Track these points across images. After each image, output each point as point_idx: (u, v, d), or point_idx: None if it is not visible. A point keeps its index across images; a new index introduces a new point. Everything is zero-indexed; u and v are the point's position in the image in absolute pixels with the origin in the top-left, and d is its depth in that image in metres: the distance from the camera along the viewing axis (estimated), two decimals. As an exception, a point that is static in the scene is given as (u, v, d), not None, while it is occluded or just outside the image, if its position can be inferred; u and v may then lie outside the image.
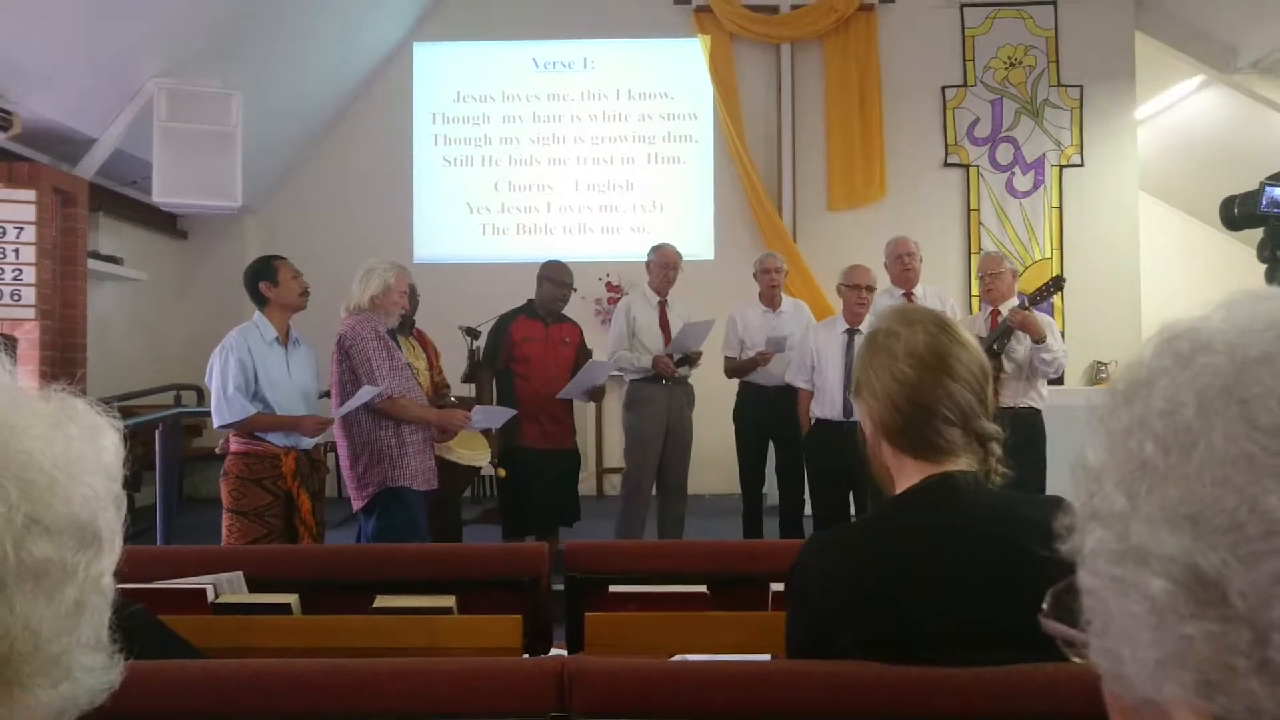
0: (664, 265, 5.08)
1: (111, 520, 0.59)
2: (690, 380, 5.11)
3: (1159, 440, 0.41)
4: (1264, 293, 0.43)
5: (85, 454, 0.58)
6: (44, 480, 0.55)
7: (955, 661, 1.30)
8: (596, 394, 4.96)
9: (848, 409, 4.56)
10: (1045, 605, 0.48)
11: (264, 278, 3.80)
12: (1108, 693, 0.45)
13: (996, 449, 1.39)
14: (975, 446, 1.38)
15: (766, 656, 1.84)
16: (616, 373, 5.09)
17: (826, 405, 4.63)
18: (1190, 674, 0.38)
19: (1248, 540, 0.37)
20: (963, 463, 1.37)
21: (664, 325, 5.03)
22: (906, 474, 1.39)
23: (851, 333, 4.65)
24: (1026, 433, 4.26)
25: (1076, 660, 0.46)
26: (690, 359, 4.99)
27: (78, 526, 0.56)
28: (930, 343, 1.37)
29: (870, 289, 4.68)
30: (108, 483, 0.59)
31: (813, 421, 4.72)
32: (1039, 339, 4.33)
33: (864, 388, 1.42)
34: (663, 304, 5.08)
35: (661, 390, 4.94)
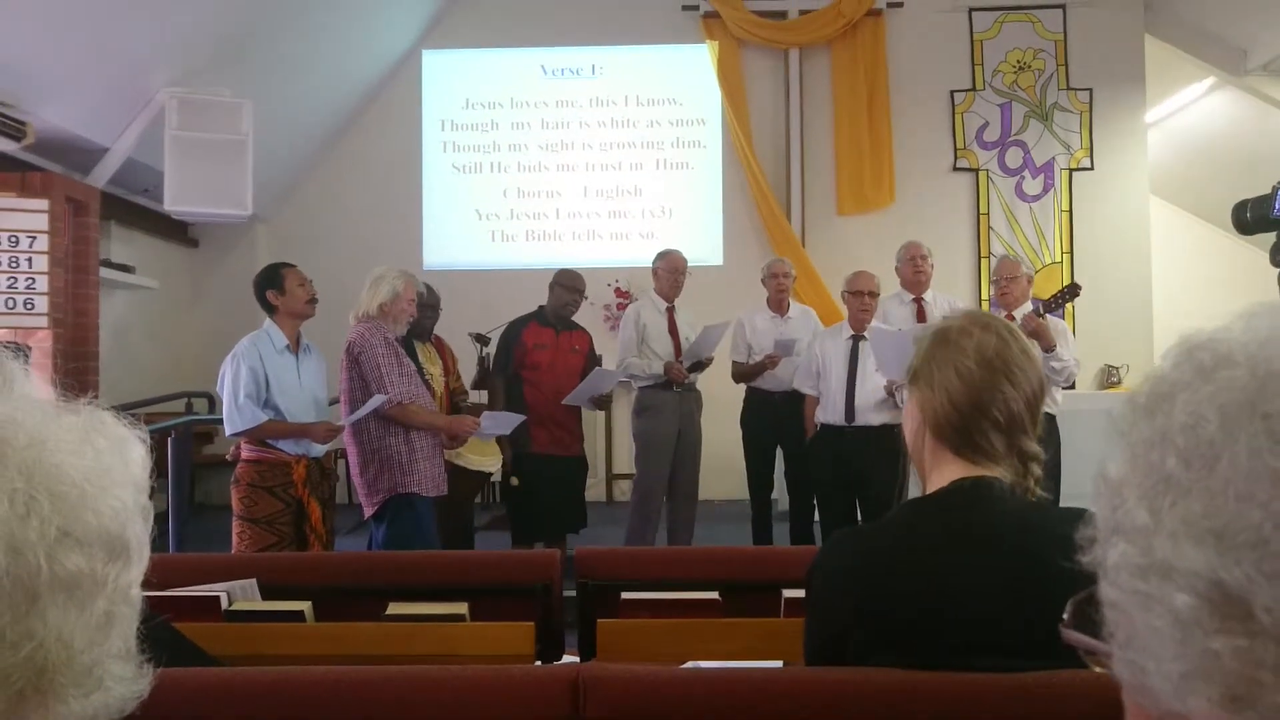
0: (671, 270, 5.09)
1: (139, 532, 0.60)
2: (698, 386, 5.11)
3: (1181, 454, 0.41)
4: None
5: (114, 466, 0.59)
6: (75, 493, 0.55)
7: (974, 668, 1.30)
8: (602, 402, 4.97)
9: (850, 414, 4.56)
10: (1066, 615, 0.48)
11: (271, 286, 3.82)
12: (1129, 702, 0.45)
13: (1036, 469, 1.39)
14: (1016, 462, 1.38)
15: (779, 663, 1.84)
16: (626, 379, 5.10)
17: (830, 410, 4.63)
18: (1216, 688, 0.38)
19: (1272, 556, 0.37)
20: (999, 471, 1.37)
21: (672, 331, 5.03)
22: (942, 472, 1.39)
23: (856, 339, 4.65)
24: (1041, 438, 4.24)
25: (1097, 670, 0.46)
26: (701, 363, 5.00)
27: (108, 538, 0.56)
28: (1000, 348, 1.38)
29: (873, 295, 4.68)
30: (136, 494, 0.60)
31: (817, 427, 4.72)
32: (1049, 348, 4.32)
33: (921, 378, 1.42)
34: (670, 310, 5.09)
35: (672, 396, 4.95)
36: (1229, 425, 0.40)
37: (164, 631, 1.60)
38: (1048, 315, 4.43)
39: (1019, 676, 1.28)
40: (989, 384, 1.36)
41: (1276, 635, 0.37)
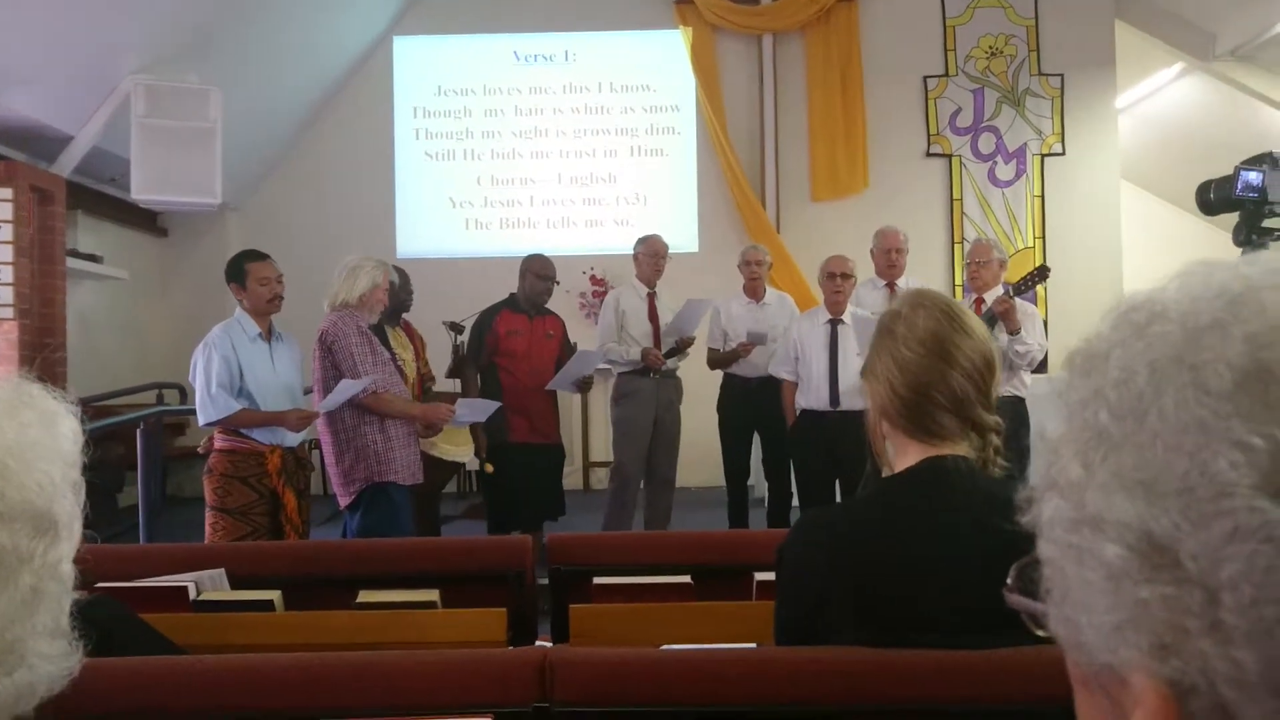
0: (652, 255, 5.08)
1: (69, 507, 0.58)
2: (679, 373, 5.11)
3: (1113, 409, 0.41)
4: (1217, 262, 0.44)
5: (40, 440, 0.57)
6: None
7: (940, 645, 1.31)
8: (584, 384, 4.95)
9: (834, 399, 4.58)
10: (1010, 579, 0.49)
11: (233, 280, 3.79)
12: (1069, 663, 0.45)
13: (995, 439, 1.40)
14: (973, 435, 1.39)
15: (751, 646, 1.84)
16: (605, 366, 5.09)
17: (812, 396, 4.64)
18: (1145, 637, 0.39)
19: (1198, 503, 0.38)
20: (962, 448, 1.38)
21: (653, 317, 5.02)
22: (905, 455, 1.41)
23: (834, 323, 4.67)
24: (1010, 420, 4.26)
25: (1039, 633, 0.46)
26: (681, 346, 4.98)
27: (33, 514, 0.55)
28: (932, 327, 1.38)
29: (845, 276, 4.69)
30: (65, 469, 0.58)
31: (798, 412, 4.73)
32: (1013, 331, 4.36)
33: (868, 370, 1.44)
34: (651, 295, 5.08)
35: (650, 383, 4.94)
36: (1158, 378, 0.40)
37: (123, 616, 1.58)
38: (1017, 298, 4.46)
39: (985, 653, 1.29)
40: (927, 367, 1.37)
41: (1201, 582, 0.37)
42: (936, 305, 1.41)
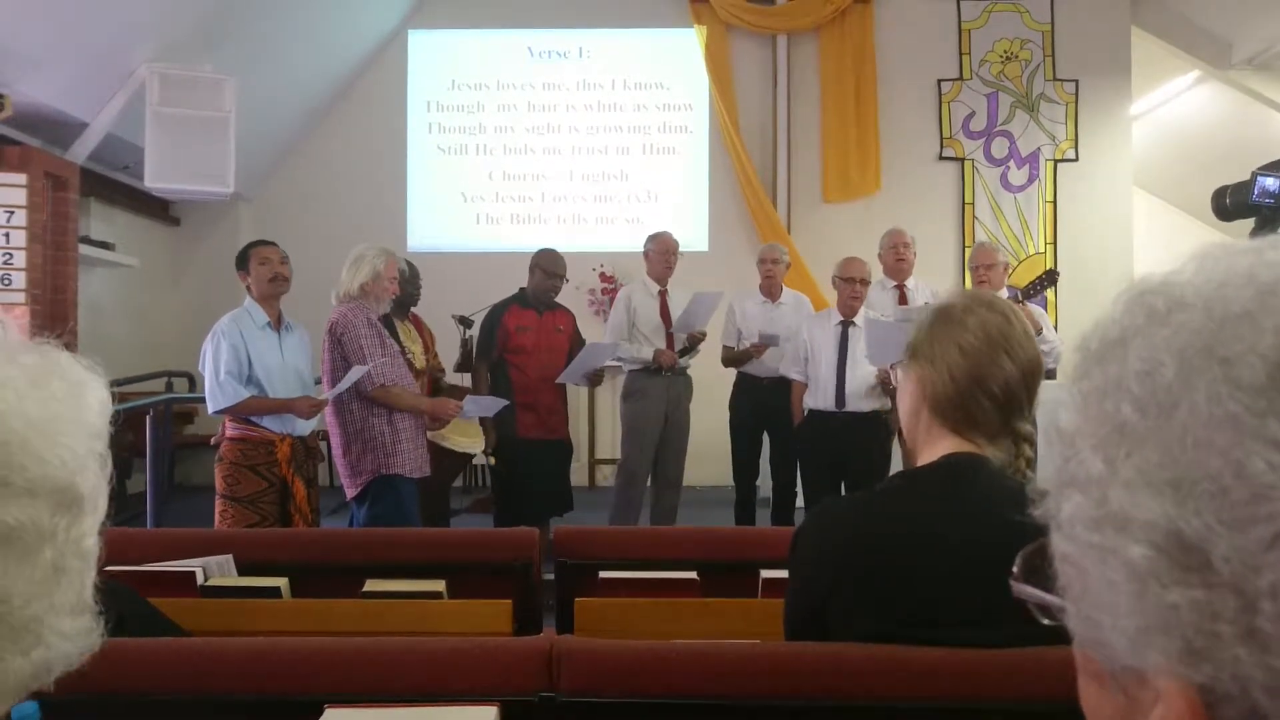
0: (663, 252, 5.06)
1: (94, 481, 0.57)
2: (689, 372, 5.10)
3: (1137, 402, 0.39)
4: (1237, 246, 0.41)
5: (64, 412, 0.56)
6: (16, 440, 0.53)
7: (949, 638, 1.31)
8: (596, 378, 4.94)
9: (840, 400, 4.57)
10: (1015, 569, 0.46)
11: (241, 268, 3.84)
12: (1079, 656, 0.43)
13: (1028, 450, 1.40)
14: (1009, 441, 1.39)
15: (756, 642, 1.84)
16: (615, 363, 5.08)
17: (820, 396, 4.64)
18: (1175, 642, 0.37)
19: (1233, 505, 0.36)
20: (991, 451, 1.38)
21: (664, 315, 5.01)
22: (934, 448, 1.40)
23: (845, 325, 4.66)
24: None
25: (1047, 623, 0.44)
26: (693, 342, 4.97)
27: (55, 488, 0.54)
28: (1002, 325, 1.39)
29: (865, 282, 4.68)
30: (90, 441, 0.57)
31: (805, 412, 4.74)
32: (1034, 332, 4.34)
33: (920, 354, 1.43)
34: (663, 293, 5.06)
35: (660, 381, 4.93)
36: (1187, 370, 0.38)
37: (131, 599, 1.59)
38: (1027, 302, 4.45)
39: (997, 651, 1.29)
40: (989, 359, 1.37)
41: (1235, 586, 0.35)
42: (1007, 308, 1.44)
